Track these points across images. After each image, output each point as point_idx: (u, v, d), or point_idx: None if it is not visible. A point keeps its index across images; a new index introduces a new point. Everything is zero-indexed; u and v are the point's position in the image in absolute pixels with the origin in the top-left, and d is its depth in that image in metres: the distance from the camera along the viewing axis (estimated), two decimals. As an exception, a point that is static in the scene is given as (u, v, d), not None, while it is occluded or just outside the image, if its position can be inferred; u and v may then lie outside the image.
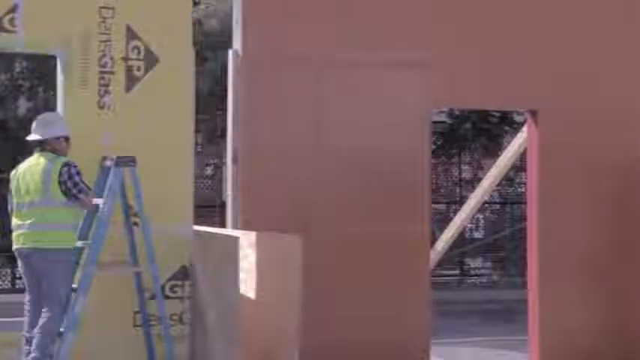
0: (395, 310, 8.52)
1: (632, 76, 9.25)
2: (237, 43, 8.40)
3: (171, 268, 7.89)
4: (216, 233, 8.14)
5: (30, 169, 7.41)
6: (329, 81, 8.51)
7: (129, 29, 7.84)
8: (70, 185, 7.29)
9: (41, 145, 7.44)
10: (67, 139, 7.49)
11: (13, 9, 7.54)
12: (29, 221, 7.32)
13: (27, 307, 7.44)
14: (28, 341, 7.30)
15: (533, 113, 9.11)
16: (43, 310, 7.26)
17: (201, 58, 13.88)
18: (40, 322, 7.22)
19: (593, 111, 9.10)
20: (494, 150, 17.68)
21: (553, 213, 9.00)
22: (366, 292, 8.44)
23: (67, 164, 7.33)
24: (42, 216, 7.30)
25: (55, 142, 7.45)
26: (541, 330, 8.94)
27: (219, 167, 17.93)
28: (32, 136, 7.45)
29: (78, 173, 7.33)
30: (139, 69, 7.88)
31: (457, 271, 19.00)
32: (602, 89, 9.14)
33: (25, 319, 7.42)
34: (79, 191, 7.30)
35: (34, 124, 7.50)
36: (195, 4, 14.23)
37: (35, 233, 7.31)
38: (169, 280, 7.90)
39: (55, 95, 8.63)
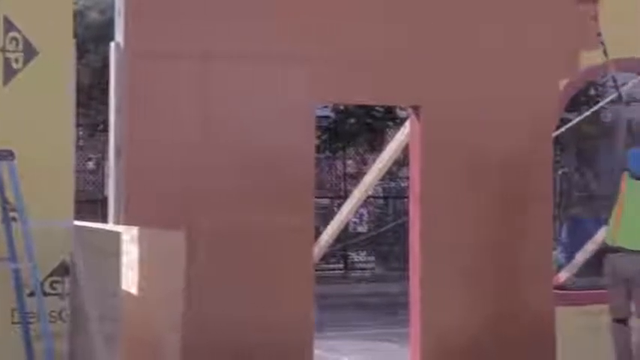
0: (278, 303, 8.52)
1: (519, 75, 9.33)
2: (119, 35, 8.28)
3: (51, 264, 7.73)
4: (98, 228, 8.02)
5: None
6: (214, 74, 8.45)
7: (6, 20, 7.65)
8: None
9: None
10: None
11: None
12: None
13: None
14: None
15: (416, 109, 9.19)
16: None
17: (82, 51, 13.66)
18: None
19: (477, 108, 9.18)
20: (378, 145, 17.87)
21: (436, 209, 9.09)
22: (250, 286, 8.42)
23: None
24: None
25: None
26: (422, 324, 9.03)
27: (100, 162, 17.69)
28: None
29: None
30: (17, 61, 7.70)
31: (341, 265, 19.13)
32: (486, 87, 9.24)
33: None
34: None
35: None
36: (77, -5, 14.00)
37: None
38: (49, 276, 7.74)
39: None
